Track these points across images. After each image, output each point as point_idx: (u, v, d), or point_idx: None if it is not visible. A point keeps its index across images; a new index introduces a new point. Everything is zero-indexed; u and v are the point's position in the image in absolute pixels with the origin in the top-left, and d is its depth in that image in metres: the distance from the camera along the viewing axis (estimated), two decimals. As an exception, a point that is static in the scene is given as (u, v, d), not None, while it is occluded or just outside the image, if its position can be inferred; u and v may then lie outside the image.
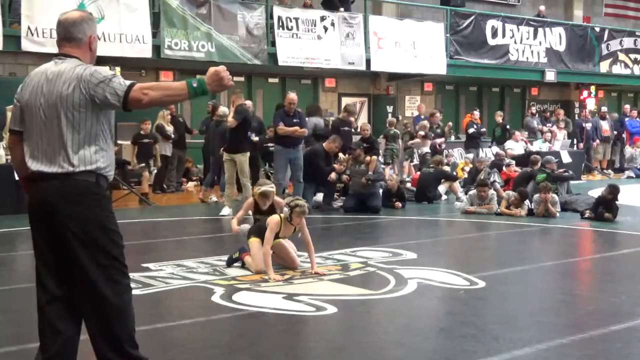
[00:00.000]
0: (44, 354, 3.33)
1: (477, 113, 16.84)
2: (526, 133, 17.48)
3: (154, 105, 3.25)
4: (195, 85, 3.20)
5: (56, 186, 3.22)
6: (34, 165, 3.27)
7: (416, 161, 15.45)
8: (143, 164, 12.87)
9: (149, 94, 3.14)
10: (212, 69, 3.22)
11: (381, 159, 15.39)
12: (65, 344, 3.35)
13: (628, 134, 19.85)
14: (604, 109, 19.90)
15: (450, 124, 16.41)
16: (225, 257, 6.78)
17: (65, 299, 3.31)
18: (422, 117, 17.14)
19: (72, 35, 3.33)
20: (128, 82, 3.18)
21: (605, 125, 19.55)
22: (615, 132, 20.05)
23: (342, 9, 15.94)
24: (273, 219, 6.42)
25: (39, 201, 3.26)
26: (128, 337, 3.39)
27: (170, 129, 13.67)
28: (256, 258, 6.40)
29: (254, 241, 6.51)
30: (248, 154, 10.57)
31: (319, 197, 11.58)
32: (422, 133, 15.02)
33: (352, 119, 13.55)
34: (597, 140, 19.35)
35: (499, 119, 17.29)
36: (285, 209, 6.41)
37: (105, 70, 3.26)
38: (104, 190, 3.29)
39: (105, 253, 3.24)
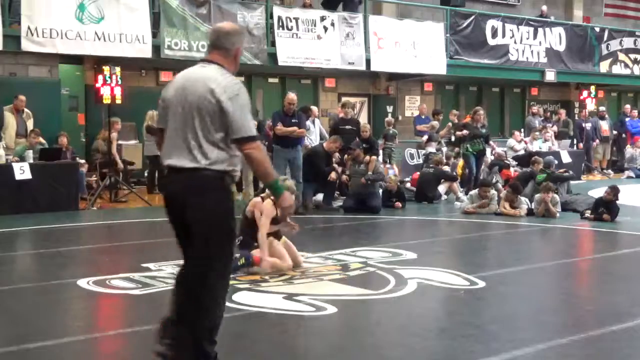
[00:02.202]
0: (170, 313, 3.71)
1: (456, 112, 16.81)
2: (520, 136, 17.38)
3: (251, 163, 3.55)
4: (279, 184, 3.68)
5: (183, 179, 3.54)
6: (167, 159, 3.61)
7: (420, 161, 15.47)
8: None
9: (254, 156, 3.51)
10: (290, 202, 3.68)
11: (380, 158, 15.43)
12: None
13: (628, 134, 19.85)
14: (602, 108, 19.89)
15: (450, 124, 16.38)
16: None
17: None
18: (423, 117, 17.17)
19: (221, 44, 3.72)
20: (253, 128, 3.55)
21: (604, 125, 19.53)
22: (615, 132, 20.06)
23: (340, 10, 15.95)
24: (266, 205, 6.40)
25: (169, 191, 3.66)
26: (201, 328, 3.61)
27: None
28: (284, 257, 6.41)
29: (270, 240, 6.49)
30: None
31: (319, 197, 11.58)
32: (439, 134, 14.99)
33: (351, 115, 13.52)
34: (597, 140, 19.35)
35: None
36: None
37: (239, 88, 3.55)
38: (226, 187, 3.57)
39: (214, 243, 3.57)
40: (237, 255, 6.44)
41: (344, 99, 15.89)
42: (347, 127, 12.52)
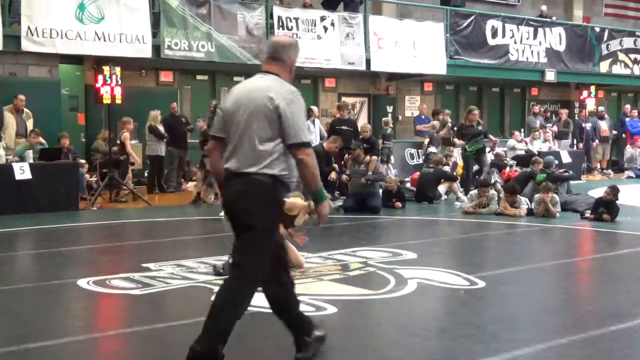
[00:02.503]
0: None
1: (448, 111, 16.79)
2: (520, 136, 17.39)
3: (303, 168, 3.73)
4: (323, 192, 3.89)
5: (241, 182, 3.73)
6: (227, 164, 3.81)
7: (420, 160, 15.47)
8: None
9: (305, 161, 3.69)
10: (327, 210, 3.87)
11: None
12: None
13: (628, 134, 19.84)
14: (601, 108, 19.88)
15: (450, 124, 16.37)
16: (226, 257, 6.77)
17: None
18: (423, 117, 17.17)
19: (279, 56, 3.89)
20: (308, 134, 3.80)
21: (604, 126, 19.53)
22: (615, 132, 20.06)
23: (340, 10, 15.95)
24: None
25: (227, 195, 3.84)
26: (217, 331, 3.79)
27: (162, 128, 13.67)
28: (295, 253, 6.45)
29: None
30: None
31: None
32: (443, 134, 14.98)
33: (349, 116, 13.50)
34: (596, 141, 19.35)
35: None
36: None
37: (296, 97, 3.75)
38: (278, 193, 3.74)
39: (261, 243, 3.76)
40: None
41: (341, 100, 15.88)
42: (344, 127, 12.52)
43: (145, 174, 14.45)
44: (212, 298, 3.86)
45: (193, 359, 3.68)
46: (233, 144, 3.79)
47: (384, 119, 16.05)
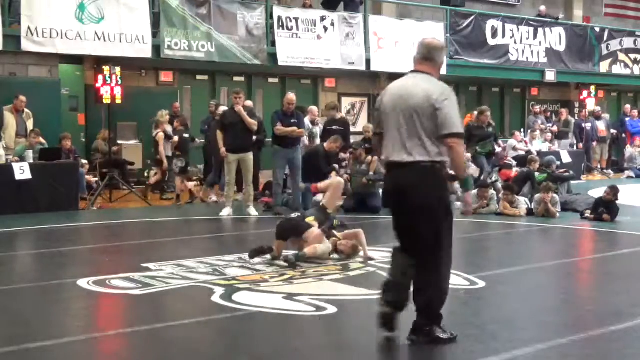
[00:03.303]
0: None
1: None
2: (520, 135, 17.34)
3: (453, 155, 4.18)
4: (470, 182, 4.60)
5: (406, 172, 4.20)
6: (390, 157, 4.28)
7: None
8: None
9: (457, 149, 4.16)
10: (471, 199, 4.64)
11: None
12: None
13: (628, 134, 19.83)
14: (598, 108, 19.85)
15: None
16: (226, 257, 6.78)
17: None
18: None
19: (431, 57, 4.37)
20: (461, 126, 4.23)
21: (601, 126, 19.50)
22: (614, 132, 20.04)
23: (340, 10, 15.94)
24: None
25: (394, 184, 4.30)
26: (430, 297, 4.30)
27: (170, 128, 13.64)
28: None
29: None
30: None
31: (319, 197, 11.55)
32: None
33: (340, 115, 13.44)
34: (596, 141, 19.33)
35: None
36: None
37: (450, 93, 4.20)
38: (440, 174, 4.21)
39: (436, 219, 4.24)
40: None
41: (341, 100, 15.85)
42: (334, 127, 12.50)
43: (145, 174, 14.44)
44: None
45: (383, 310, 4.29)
46: (393, 137, 4.25)
47: None
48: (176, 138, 12.50)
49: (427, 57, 4.36)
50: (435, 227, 4.24)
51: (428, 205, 4.20)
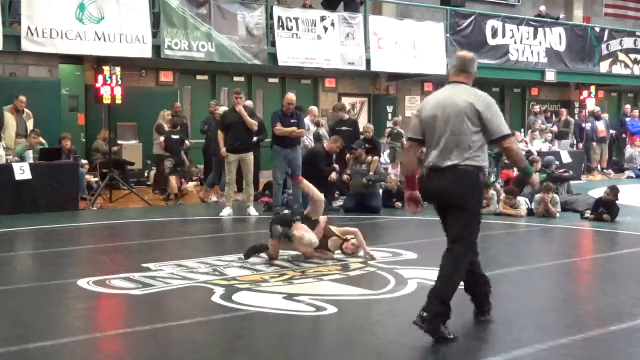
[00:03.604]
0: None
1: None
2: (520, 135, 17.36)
3: (510, 154, 4.57)
4: (530, 167, 4.85)
5: (447, 175, 4.47)
6: (432, 161, 4.53)
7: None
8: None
9: (512, 147, 4.53)
10: (537, 181, 5.06)
11: (387, 157, 15.41)
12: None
13: (628, 134, 19.83)
14: (597, 109, 19.85)
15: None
16: (226, 257, 6.78)
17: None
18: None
19: (466, 68, 4.68)
20: (507, 127, 4.50)
21: (600, 126, 19.50)
22: (613, 132, 20.03)
23: (340, 10, 15.94)
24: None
25: (434, 186, 4.57)
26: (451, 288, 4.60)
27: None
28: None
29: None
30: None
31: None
32: None
33: (347, 116, 13.47)
34: (595, 141, 19.33)
35: None
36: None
37: (490, 99, 4.50)
38: (479, 178, 4.50)
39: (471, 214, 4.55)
40: None
41: (341, 100, 15.85)
42: (344, 128, 12.50)
43: (146, 174, 14.46)
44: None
45: (420, 324, 4.34)
46: (436, 143, 4.50)
47: (394, 118, 16.30)
48: (162, 139, 12.55)
49: (462, 69, 4.67)
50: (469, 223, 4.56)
51: (466, 203, 4.50)
